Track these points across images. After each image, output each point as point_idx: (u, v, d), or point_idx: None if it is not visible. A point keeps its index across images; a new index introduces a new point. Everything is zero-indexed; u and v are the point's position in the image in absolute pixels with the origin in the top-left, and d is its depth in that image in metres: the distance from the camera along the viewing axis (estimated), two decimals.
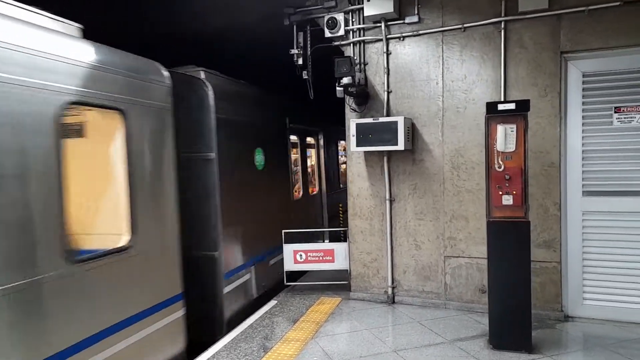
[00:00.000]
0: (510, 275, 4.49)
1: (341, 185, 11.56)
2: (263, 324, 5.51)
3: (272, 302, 6.33)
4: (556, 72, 5.26)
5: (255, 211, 6.62)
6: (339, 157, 12.23)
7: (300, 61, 6.45)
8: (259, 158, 6.85)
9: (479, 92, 5.62)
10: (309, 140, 10.01)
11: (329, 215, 10.24)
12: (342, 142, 12.90)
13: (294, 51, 6.42)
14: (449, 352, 4.61)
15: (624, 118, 5.10)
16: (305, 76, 6.48)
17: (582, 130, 5.28)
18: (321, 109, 10.00)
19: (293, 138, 8.76)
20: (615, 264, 5.19)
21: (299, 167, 9.26)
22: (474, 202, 5.71)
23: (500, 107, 4.50)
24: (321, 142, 10.55)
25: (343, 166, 12.24)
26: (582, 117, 5.28)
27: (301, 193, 9.05)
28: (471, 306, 5.79)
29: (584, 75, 5.26)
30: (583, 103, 5.27)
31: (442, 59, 5.77)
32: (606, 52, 5.10)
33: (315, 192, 9.99)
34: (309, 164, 9.88)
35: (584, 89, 5.27)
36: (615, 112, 5.13)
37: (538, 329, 5.09)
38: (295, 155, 8.97)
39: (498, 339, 4.60)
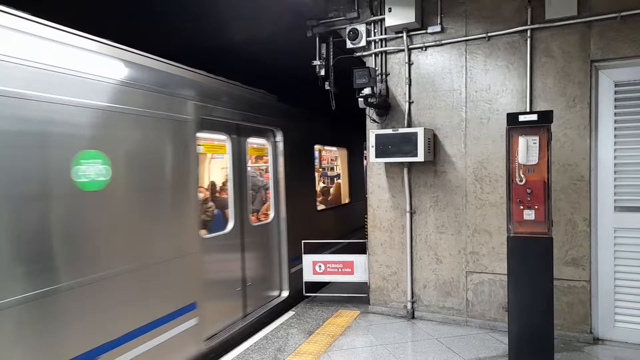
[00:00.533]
0: (531, 294, 4.27)
1: (321, 207, 9.30)
2: (278, 335, 5.48)
3: (290, 313, 6.29)
4: (586, 81, 5.02)
5: None
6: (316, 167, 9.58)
7: (322, 72, 6.45)
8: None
9: (503, 102, 5.44)
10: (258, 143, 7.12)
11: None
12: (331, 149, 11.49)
13: (317, 62, 6.43)
14: None
15: None
16: (327, 87, 6.47)
17: (614, 142, 5.01)
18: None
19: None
20: None
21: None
22: (497, 216, 5.50)
23: (522, 118, 4.33)
24: (279, 148, 7.11)
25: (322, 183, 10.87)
26: (614, 128, 5.01)
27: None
28: (494, 324, 5.55)
29: (616, 85, 5.00)
30: (615, 114, 5.00)
31: (466, 68, 5.64)
32: None
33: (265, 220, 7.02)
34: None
35: (616, 99, 5.00)
36: None
37: (564, 351, 4.81)
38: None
39: None
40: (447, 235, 5.82)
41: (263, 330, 5.68)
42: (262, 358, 4.84)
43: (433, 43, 5.78)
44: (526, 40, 5.26)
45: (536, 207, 4.30)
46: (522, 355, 4.33)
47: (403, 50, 5.93)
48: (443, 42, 5.72)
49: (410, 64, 5.93)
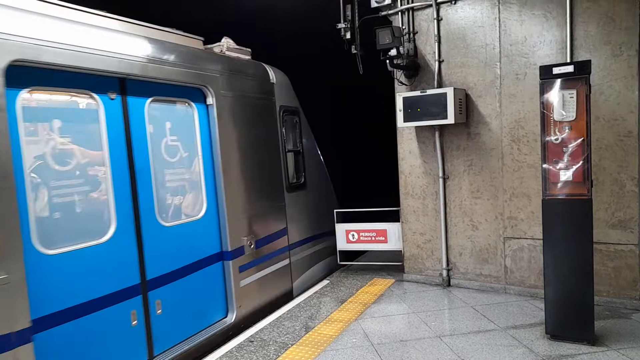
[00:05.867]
0: (569, 259, 4.01)
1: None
2: (310, 304, 5.53)
3: (324, 282, 6.32)
4: (634, 26, 4.52)
5: None
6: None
7: (348, 35, 6.21)
8: None
9: (541, 55, 5.03)
10: None
11: None
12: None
13: (341, 25, 6.18)
14: (499, 340, 4.27)
15: None
16: (354, 50, 6.24)
17: None
18: None
19: None
20: None
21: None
22: (537, 179, 5.17)
23: (556, 70, 3.98)
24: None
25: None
26: None
27: None
28: (534, 292, 5.31)
29: None
30: None
31: (499, 20, 5.23)
32: None
33: None
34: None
35: None
36: None
37: (608, 318, 4.54)
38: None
39: (555, 328, 4.16)
40: (483, 200, 5.57)
41: (296, 298, 5.75)
42: (293, 325, 4.91)
43: None
44: None
45: (574, 167, 3.99)
46: (560, 323, 4.12)
47: (431, 5, 5.58)
48: None
49: (439, 20, 5.58)
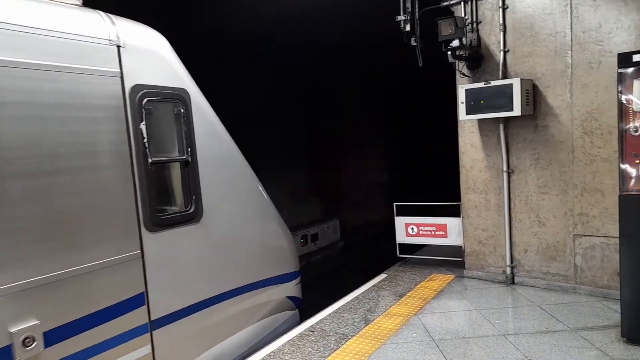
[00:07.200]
0: None
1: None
2: (369, 297, 5.55)
3: (382, 276, 6.32)
4: None
5: None
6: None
7: (407, 27, 6.13)
8: None
9: (618, 41, 4.72)
10: None
11: None
12: None
13: (401, 17, 6.11)
14: (569, 341, 4.09)
15: None
16: (413, 43, 6.15)
17: None
18: None
19: None
20: None
21: None
22: (611, 173, 4.88)
23: (637, 57, 3.73)
24: None
25: None
26: None
27: None
28: (607, 292, 5.03)
29: None
30: None
31: (571, 6, 4.96)
32: None
33: None
34: None
35: None
36: None
37: None
38: None
39: (632, 331, 3.93)
40: (551, 195, 5.33)
41: (354, 291, 5.79)
42: (352, 317, 4.96)
43: None
44: None
45: None
46: (637, 326, 3.89)
47: None
48: None
49: (504, 8, 5.38)
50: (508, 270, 5.69)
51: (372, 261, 10.54)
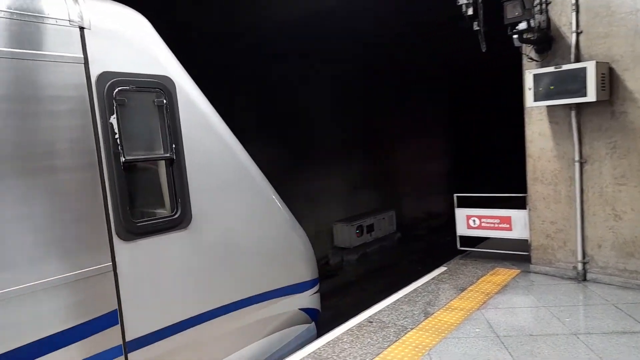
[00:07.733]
0: None
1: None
2: (428, 290, 5.44)
3: (442, 269, 6.17)
4: None
5: None
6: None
7: (470, 11, 5.88)
8: None
9: None
10: None
11: None
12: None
13: (463, 1, 5.86)
14: None
15: None
16: (476, 27, 5.90)
17: None
18: None
19: None
20: None
21: None
22: None
23: None
24: None
25: None
26: None
27: None
28: None
29: None
30: None
31: None
32: None
33: None
34: None
35: None
36: None
37: None
38: None
39: None
40: (629, 187, 4.95)
41: (413, 283, 5.69)
42: (412, 309, 4.89)
43: None
44: None
45: None
46: None
47: None
48: None
49: None
50: (579, 266, 5.36)
51: (431, 253, 10.35)
